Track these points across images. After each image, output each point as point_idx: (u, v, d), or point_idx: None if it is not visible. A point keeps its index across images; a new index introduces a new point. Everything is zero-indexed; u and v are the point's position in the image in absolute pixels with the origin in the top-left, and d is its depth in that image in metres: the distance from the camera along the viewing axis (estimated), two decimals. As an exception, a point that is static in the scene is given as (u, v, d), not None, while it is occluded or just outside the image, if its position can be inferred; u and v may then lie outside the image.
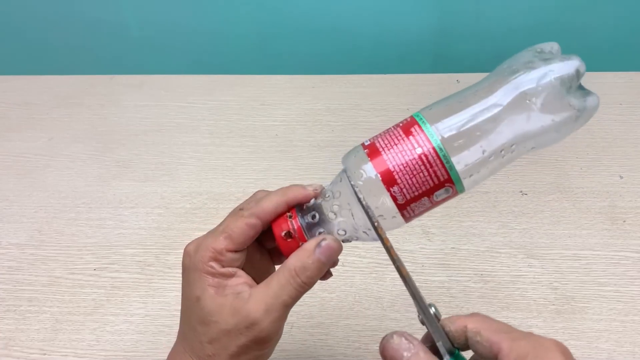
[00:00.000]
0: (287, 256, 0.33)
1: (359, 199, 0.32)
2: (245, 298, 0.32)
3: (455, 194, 0.32)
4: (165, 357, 0.47)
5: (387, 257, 0.32)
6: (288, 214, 0.34)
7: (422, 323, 0.31)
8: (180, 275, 0.34)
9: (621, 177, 0.62)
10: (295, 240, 0.33)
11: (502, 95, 0.30)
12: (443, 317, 0.31)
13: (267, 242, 0.36)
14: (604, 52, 0.89)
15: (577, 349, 0.47)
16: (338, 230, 0.33)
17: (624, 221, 0.57)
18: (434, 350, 0.30)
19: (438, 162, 0.31)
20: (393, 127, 0.33)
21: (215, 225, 0.34)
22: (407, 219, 0.33)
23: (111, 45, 0.95)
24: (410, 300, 0.31)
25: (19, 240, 0.59)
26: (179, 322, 0.50)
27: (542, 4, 0.85)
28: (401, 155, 0.31)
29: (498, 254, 0.55)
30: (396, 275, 0.32)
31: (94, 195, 0.64)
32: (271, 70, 0.90)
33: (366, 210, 0.31)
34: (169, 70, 0.90)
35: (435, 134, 0.31)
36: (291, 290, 0.31)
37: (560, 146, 0.67)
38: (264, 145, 0.70)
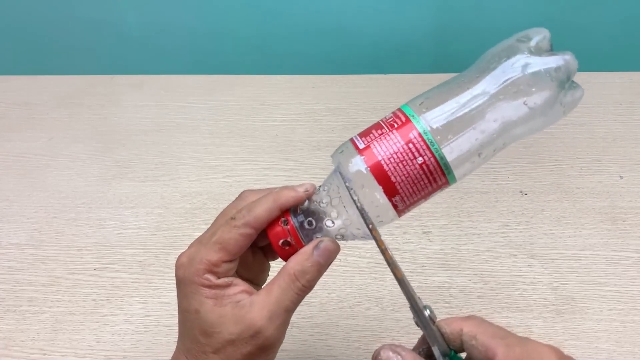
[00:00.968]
0: (285, 261, 0.33)
1: (353, 201, 0.32)
2: (246, 306, 0.31)
3: (447, 183, 0.32)
4: (165, 357, 0.48)
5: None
6: (282, 219, 0.33)
7: (417, 325, 0.31)
8: None
9: (621, 177, 0.62)
10: (294, 247, 0.33)
11: (490, 84, 0.30)
12: (441, 317, 0.31)
13: (259, 241, 0.35)
14: (604, 52, 0.89)
15: (577, 349, 0.47)
16: (334, 232, 0.33)
17: (624, 221, 0.57)
18: (430, 352, 0.30)
19: (428, 152, 0.31)
20: (382, 122, 0.33)
21: None
22: (399, 212, 0.33)
23: (111, 45, 0.95)
24: (410, 301, 0.31)
25: (19, 240, 0.59)
26: (178, 322, 0.50)
27: (542, 4, 0.85)
28: (392, 148, 0.31)
29: (498, 254, 0.55)
30: (396, 275, 0.32)
31: (94, 195, 0.64)
32: (271, 70, 0.90)
33: (361, 212, 0.31)
34: (169, 70, 0.90)
35: (424, 124, 0.31)
36: (292, 295, 0.31)
37: (560, 146, 0.67)
38: (264, 145, 0.70)
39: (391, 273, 0.31)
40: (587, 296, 0.51)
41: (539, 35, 0.30)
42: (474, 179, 0.63)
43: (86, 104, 0.79)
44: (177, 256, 0.56)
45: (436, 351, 0.30)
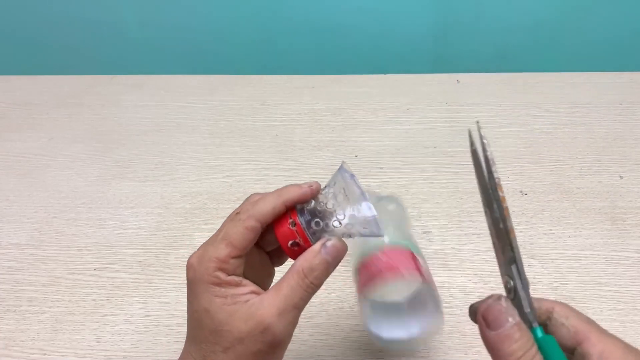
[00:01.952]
0: (290, 255, 0.34)
1: (359, 189, 0.32)
2: (256, 304, 0.32)
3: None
4: (166, 357, 0.48)
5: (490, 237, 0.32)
6: (290, 220, 0.33)
7: (509, 291, 0.30)
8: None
9: (621, 177, 0.62)
10: (302, 247, 0.33)
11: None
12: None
13: (265, 246, 0.36)
14: (604, 52, 0.89)
15: (577, 349, 0.47)
16: (341, 231, 0.33)
17: (624, 221, 0.57)
18: None
19: None
20: None
21: (214, 226, 0.34)
22: None
23: (111, 45, 0.95)
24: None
25: (19, 240, 0.59)
26: (178, 322, 0.50)
27: (542, 4, 0.85)
28: None
29: (498, 254, 0.55)
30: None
31: (94, 195, 0.64)
32: (271, 70, 0.90)
33: (364, 195, 0.32)
34: (169, 70, 0.90)
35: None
36: (301, 292, 0.32)
37: (560, 146, 0.67)
38: (264, 145, 0.70)
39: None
40: (587, 296, 0.51)
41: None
42: (474, 180, 0.63)
43: (86, 104, 0.79)
44: (177, 256, 0.56)
45: (530, 315, 0.29)
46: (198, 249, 0.34)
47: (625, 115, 0.71)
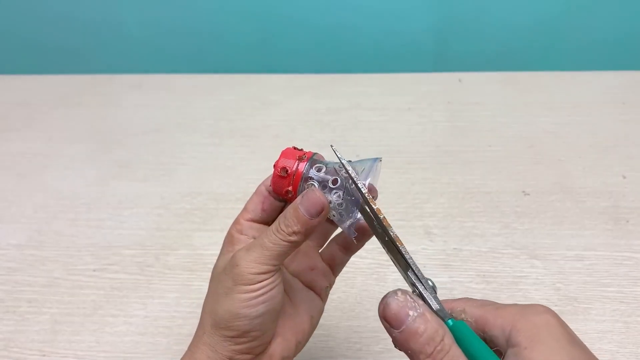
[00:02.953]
0: (274, 191, 0.35)
1: (341, 162, 0.33)
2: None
3: None
4: (165, 358, 0.47)
5: (387, 257, 0.32)
6: (303, 156, 0.35)
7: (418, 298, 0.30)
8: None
9: (624, 177, 0.62)
10: (287, 179, 0.34)
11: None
12: None
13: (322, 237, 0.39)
14: (608, 50, 0.88)
15: (581, 351, 0.46)
16: (335, 201, 0.33)
17: (627, 221, 0.57)
18: None
19: None
20: None
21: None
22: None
23: (111, 45, 0.95)
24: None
25: (18, 241, 0.59)
26: (178, 323, 0.50)
27: (545, 2, 0.85)
28: None
29: (500, 254, 0.54)
30: (398, 276, 0.32)
31: (94, 195, 0.64)
32: (271, 69, 0.90)
33: (346, 168, 0.32)
34: (169, 70, 0.90)
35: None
36: (271, 236, 0.32)
37: (562, 146, 0.67)
38: (264, 145, 0.70)
39: (395, 273, 0.31)
40: (590, 297, 0.50)
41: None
42: (477, 179, 0.63)
43: (86, 103, 0.79)
44: (176, 257, 0.56)
45: (440, 312, 0.29)
46: None
47: (629, 115, 0.71)
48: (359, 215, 0.33)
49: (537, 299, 0.50)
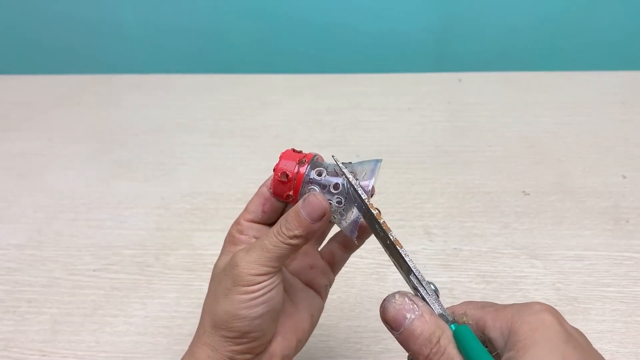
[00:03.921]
0: (274, 195, 0.35)
1: (341, 168, 0.33)
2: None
3: None
4: (165, 358, 0.47)
5: (387, 257, 0.32)
6: (303, 159, 0.34)
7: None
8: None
9: (624, 177, 0.62)
10: (288, 184, 0.34)
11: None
12: None
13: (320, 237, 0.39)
14: (607, 50, 0.88)
15: (581, 351, 0.46)
16: (336, 205, 0.33)
17: (627, 221, 0.57)
18: None
19: None
20: None
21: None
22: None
23: (111, 45, 0.95)
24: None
25: (18, 241, 0.59)
26: (178, 323, 0.50)
27: (545, 2, 0.85)
28: None
29: (500, 254, 0.54)
30: (398, 276, 0.32)
31: (94, 195, 0.64)
32: (271, 69, 0.90)
33: (345, 174, 0.32)
34: (169, 70, 0.90)
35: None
36: (272, 238, 0.32)
37: (562, 146, 0.67)
38: (264, 145, 0.70)
39: (395, 273, 0.31)
40: (590, 297, 0.50)
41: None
42: (477, 179, 0.63)
43: (86, 103, 0.79)
44: (176, 257, 0.56)
45: (444, 317, 0.29)
46: None
47: (629, 115, 0.71)
48: (360, 217, 0.33)
49: (537, 299, 0.50)
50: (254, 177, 0.65)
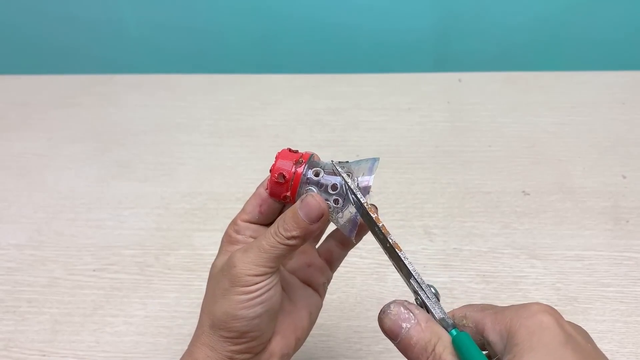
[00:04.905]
0: (271, 196, 0.34)
1: (338, 172, 0.33)
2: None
3: None
4: (165, 358, 0.47)
5: (387, 257, 0.32)
6: (300, 159, 0.34)
7: (420, 306, 0.30)
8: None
9: (624, 177, 0.62)
10: (285, 185, 0.33)
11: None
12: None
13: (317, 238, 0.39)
14: (607, 50, 0.88)
15: (581, 351, 0.46)
16: (333, 205, 0.33)
17: (627, 221, 0.57)
18: None
19: None
20: None
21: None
22: None
23: (110, 45, 0.95)
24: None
25: (18, 241, 0.59)
26: (178, 323, 0.50)
27: (545, 2, 0.85)
28: None
29: (500, 254, 0.54)
30: (398, 276, 0.32)
31: (94, 195, 0.64)
32: (271, 69, 0.90)
33: (344, 178, 0.33)
34: (169, 69, 0.90)
35: None
36: (269, 238, 0.32)
37: (562, 146, 0.67)
38: (264, 145, 0.70)
39: (395, 273, 0.31)
40: (589, 297, 0.50)
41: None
42: (476, 179, 0.63)
43: (85, 103, 0.79)
44: (176, 257, 0.56)
45: (444, 321, 0.29)
46: None
47: (629, 115, 0.71)
48: (358, 216, 0.33)
49: (537, 299, 0.50)
50: (254, 177, 0.65)
